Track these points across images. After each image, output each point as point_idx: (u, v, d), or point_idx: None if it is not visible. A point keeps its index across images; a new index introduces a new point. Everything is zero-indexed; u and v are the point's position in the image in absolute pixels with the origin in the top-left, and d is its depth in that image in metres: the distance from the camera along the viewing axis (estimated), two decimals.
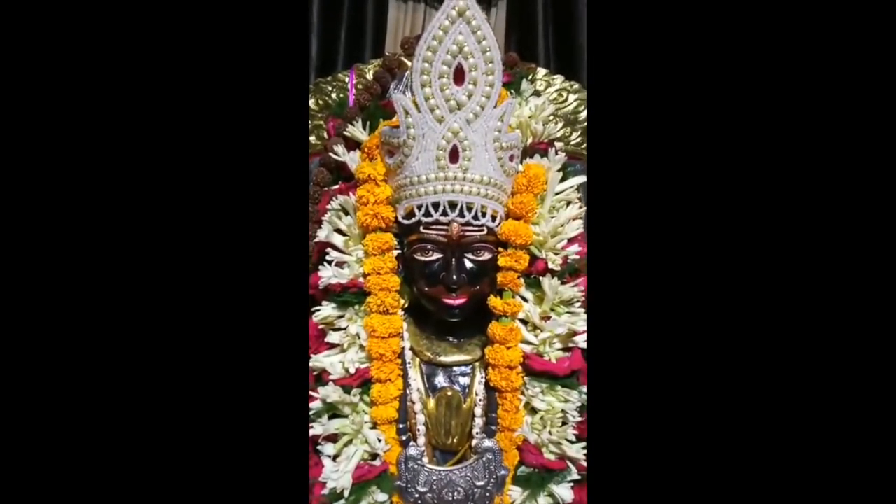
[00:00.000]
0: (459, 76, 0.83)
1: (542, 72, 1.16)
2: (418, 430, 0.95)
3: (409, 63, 1.01)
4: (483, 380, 0.96)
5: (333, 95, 1.14)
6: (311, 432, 0.91)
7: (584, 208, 1.04)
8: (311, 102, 1.13)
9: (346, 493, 0.89)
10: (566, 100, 1.16)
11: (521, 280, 0.94)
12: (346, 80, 1.14)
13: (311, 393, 0.91)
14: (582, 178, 1.01)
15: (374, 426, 0.93)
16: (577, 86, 1.16)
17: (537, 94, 1.09)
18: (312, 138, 1.12)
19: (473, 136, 0.84)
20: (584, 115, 1.16)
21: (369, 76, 1.11)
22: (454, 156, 0.84)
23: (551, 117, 1.06)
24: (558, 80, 1.16)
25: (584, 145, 1.16)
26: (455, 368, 0.98)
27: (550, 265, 0.94)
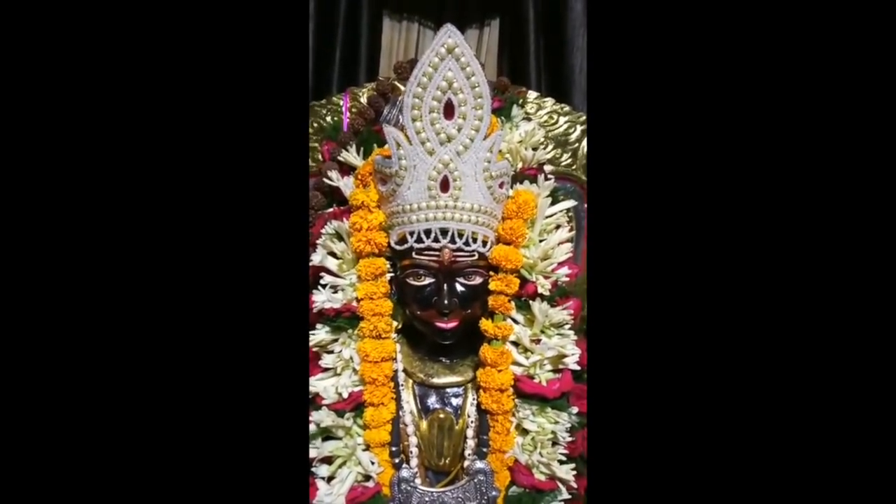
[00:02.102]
0: (449, 110, 0.85)
1: (532, 95, 1.17)
2: (411, 452, 0.97)
3: (402, 87, 1.02)
4: (475, 401, 0.98)
5: (328, 118, 1.15)
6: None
7: (574, 231, 1.06)
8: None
9: None
10: (556, 122, 1.17)
11: (512, 304, 0.96)
12: (341, 103, 1.15)
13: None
14: (571, 203, 1.03)
15: (368, 448, 0.94)
16: (567, 108, 1.18)
17: (528, 118, 1.11)
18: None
19: (463, 167, 0.86)
20: (574, 136, 1.18)
21: (363, 100, 1.13)
22: (445, 186, 0.86)
23: (542, 141, 1.09)
24: (549, 102, 1.18)
25: (575, 166, 1.18)
26: (447, 390, 1.00)
27: (540, 289, 0.95)
